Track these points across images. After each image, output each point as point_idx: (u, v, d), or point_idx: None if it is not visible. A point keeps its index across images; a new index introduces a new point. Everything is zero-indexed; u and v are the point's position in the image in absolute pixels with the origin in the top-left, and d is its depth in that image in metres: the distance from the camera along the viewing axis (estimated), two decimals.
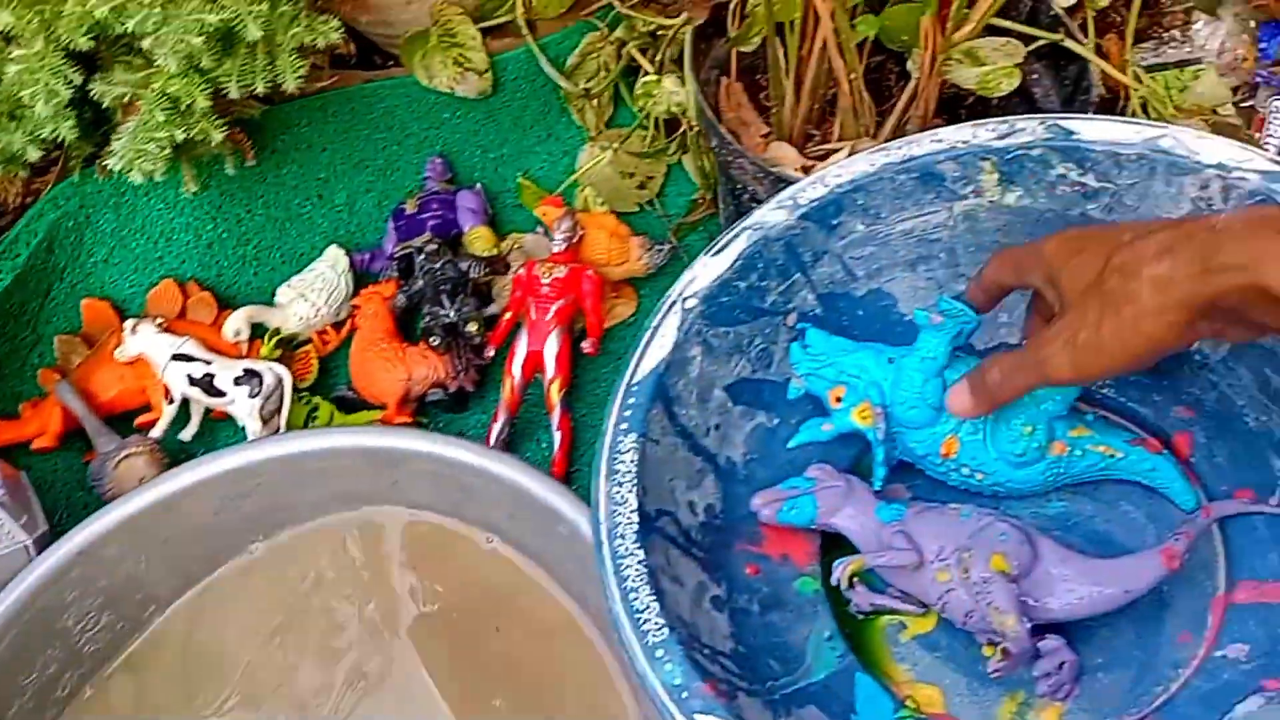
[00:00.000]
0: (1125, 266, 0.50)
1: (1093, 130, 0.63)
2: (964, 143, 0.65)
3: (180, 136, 0.68)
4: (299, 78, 0.70)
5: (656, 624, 0.54)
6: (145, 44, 0.65)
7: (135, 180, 0.70)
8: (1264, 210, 0.53)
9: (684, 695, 0.52)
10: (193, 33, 0.63)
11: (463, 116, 0.96)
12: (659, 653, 0.53)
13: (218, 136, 0.71)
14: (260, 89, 0.68)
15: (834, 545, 0.65)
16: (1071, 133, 0.63)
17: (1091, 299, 0.52)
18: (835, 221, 0.67)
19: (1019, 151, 0.64)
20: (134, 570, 0.69)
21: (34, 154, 0.69)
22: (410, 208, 0.91)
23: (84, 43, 0.66)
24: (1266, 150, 1.01)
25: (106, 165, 0.73)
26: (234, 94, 0.68)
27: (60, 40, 0.66)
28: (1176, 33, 1.09)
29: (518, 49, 0.94)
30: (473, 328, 0.82)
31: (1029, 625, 0.57)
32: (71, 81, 0.67)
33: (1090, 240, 0.54)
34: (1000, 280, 0.61)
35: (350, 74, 0.92)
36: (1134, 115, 0.89)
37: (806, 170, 0.76)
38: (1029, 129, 0.64)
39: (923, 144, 0.66)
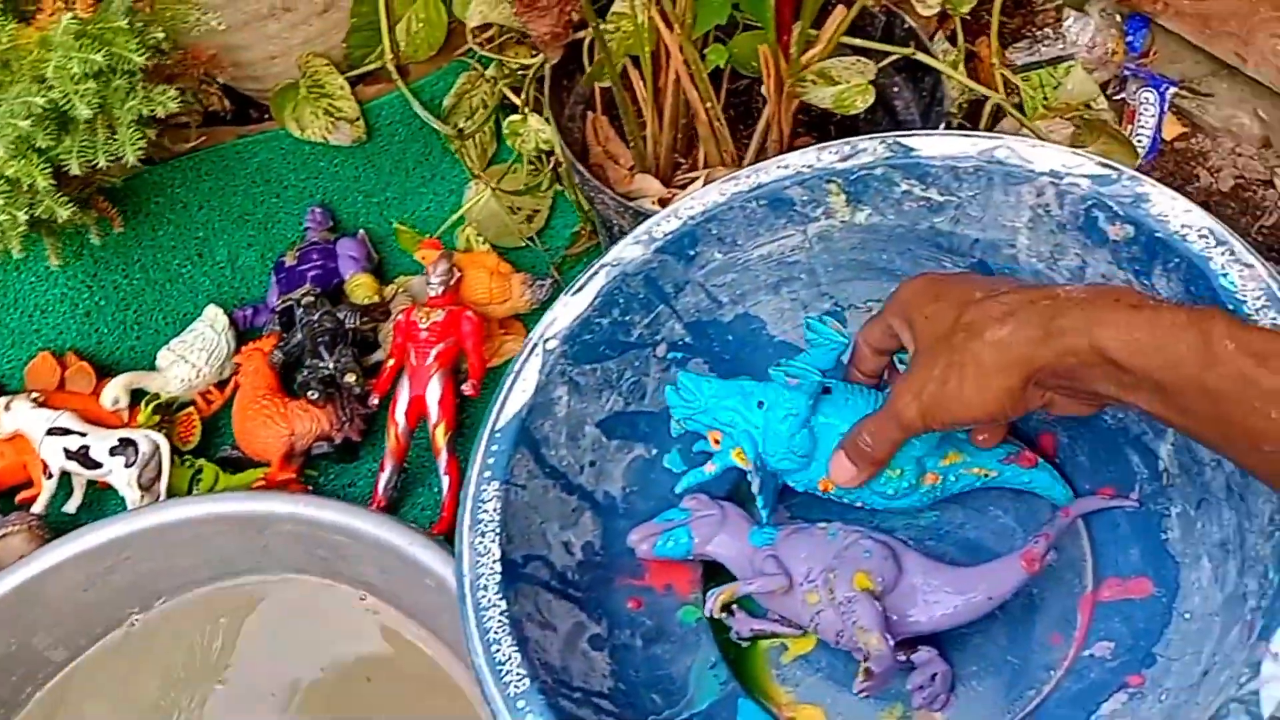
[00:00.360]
0: (972, 325, 0.50)
1: (931, 146, 0.63)
2: (809, 167, 0.65)
3: (24, 217, 0.66)
4: (139, 149, 0.68)
5: (518, 675, 0.54)
6: None
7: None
8: (1107, 285, 0.54)
9: None
10: (19, 116, 0.62)
11: (341, 164, 0.95)
12: (520, 703, 0.52)
13: (64, 214, 0.69)
14: (102, 163, 0.67)
15: (717, 571, 0.65)
16: (911, 150, 0.63)
17: (940, 353, 0.52)
18: (693, 252, 0.67)
19: (862, 172, 0.64)
20: (4, 652, 0.67)
21: None
22: (290, 260, 0.89)
23: None
24: (1139, 141, 1.03)
25: None
26: (76, 170, 0.67)
27: None
28: (1049, 30, 1.10)
29: (391, 94, 0.93)
30: (351, 378, 0.81)
31: (893, 642, 0.57)
32: None
33: (946, 288, 0.54)
34: (877, 347, 0.60)
35: (220, 131, 0.91)
36: (1007, 117, 0.90)
37: (664, 202, 0.76)
38: (870, 149, 0.64)
39: (770, 171, 0.66)
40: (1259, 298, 0.49)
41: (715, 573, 0.65)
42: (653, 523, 0.65)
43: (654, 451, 0.69)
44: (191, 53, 0.77)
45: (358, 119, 0.91)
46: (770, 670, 0.63)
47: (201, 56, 0.78)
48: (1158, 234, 0.53)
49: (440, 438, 0.79)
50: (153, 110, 0.68)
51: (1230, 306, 0.50)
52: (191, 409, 0.85)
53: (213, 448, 0.85)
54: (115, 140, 0.66)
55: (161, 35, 0.69)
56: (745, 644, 0.64)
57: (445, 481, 0.79)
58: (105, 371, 0.86)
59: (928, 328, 0.53)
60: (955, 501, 0.65)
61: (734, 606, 0.63)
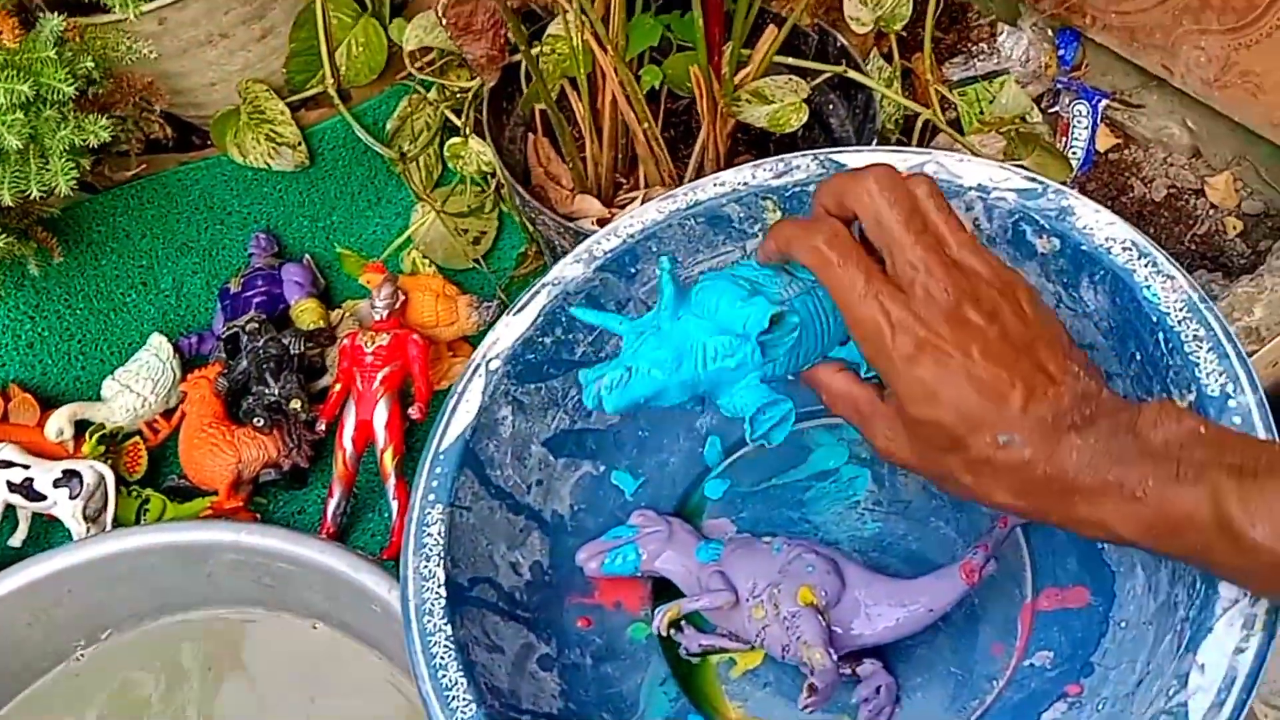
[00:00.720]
0: (975, 477, 0.44)
1: (862, 161, 0.63)
2: (744, 184, 0.65)
3: None
4: (72, 179, 0.67)
5: (465, 700, 0.53)
6: None
7: None
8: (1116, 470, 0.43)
9: None
10: None
11: (285, 190, 0.93)
12: None
13: None
14: (35, 193, 0.65)
15: (666, 587, 0.65)
16: (843, 166, 0.63)
17: (929, 458, 0.45)
18: (633, 270, 0.67)
19: (796, 189, 0.64)
20: None
21: None
22: (235, 286, 0.88)
23: None
24: (1073, 153, 1.04)
25: None
26: (7, 201, 0.65)
27: None
28: (984, 46, 1.11)
29: (334, 118, 0.93)
30: (296, 404, 0.80)
31: (837, 656, 0.57)
32: None
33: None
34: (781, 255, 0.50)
35: (162, 159, 0.90)
36: (942, 132, 0.90)
37: (604, 222, 0.75)
38: (803, 166, 0.64)
39: (706, 189, 0.65)
40: (1181, 309, 0.50)
41: (664, 589, 0.65)
42: (600, 540, 0.65)
43: (601, 469, 0.69)
44: (126, 81, 0.76)
45: (300, 144, 0.90)
46: (720, 685, 0.63)
47: (138, 84, 0.76)
48: (1083, 247, 0.54)
49: (388, 462, 0.78)
50: (85, 140, 0.66)
51: (1154, 318, 0.50)
52: (138, 439, 0.83)
53: (160, 477, 0.83)
54: (48, 170, 0.65)
55: (92, 65, 0.68)
56: (695, 660, 0.63)
57: (394, 506, 0.78)
58: (49, 403, 0.84)
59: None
60: (897, 513, 0.65)
61: (683, 622, 0.63)
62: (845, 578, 0.59)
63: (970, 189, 0.59)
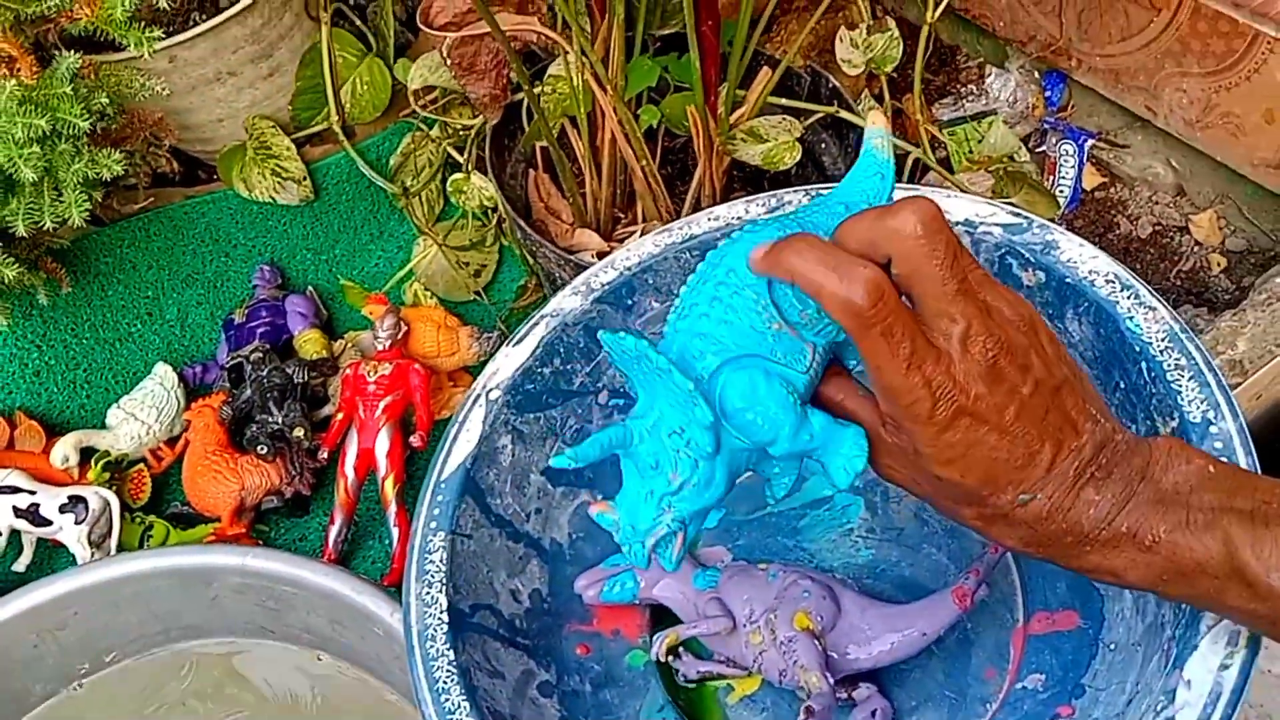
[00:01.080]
0: (986, 525, 0.44)
1: None
2: (738, 219, 0.66)
3: None
4: (85, 211, 0.68)
5: None
6: None
7: None
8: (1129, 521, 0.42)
9: None
10: None
11: (290, 223, 0.95)
12: None
13: (10, 275, 0.69)
14: (48, 224, 0.66)
15: (664, 614, 0.65)
16: None
17: (940, 503, 0.44)
18: (630, 301, 0.68)
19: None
20: None
21: None
22: (239, 317, 0.89)
23: None
24: (1060, 192, 1.06)
25: None
26: (21, 232, 0.67)
27: None
28: (973, 87, 1.13)
29: (338, 154, 0.94)
30: (299, 433, 0.80)
31: (834, 680, 0.57)
32: None
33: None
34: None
35: (169, 192, 0.91)
36: (931, 170, 0.92)
37: (603, 255, 0.77)
38: (795, 201, 0.65)
39: (700, 223, 0.67)
40: (1163, 339, 0.51)
41: (661, 617, 0.65)
42: (599, 568, 0.66)
43: (599, 497, 0.69)
44: (138, 116, 0.77)
45: (304, 179, 0.92)
46: (719, 711, 0.63)
47: (148, 120, 0.78)
48: (1067, 279, 0.55)
49: (389, 490, 0.79)
50: (98, 173, 0.68)
51: (1137, 348, 0.52)
52: (142, 466, 0.84)
53: (163, 504, 0.84)
54: (61, 202, 0.66)
55: (106, 100, 0.69)
56: (693, 686, 0.64)
57: (395, 533, 0.78)
58: (55, 430, 0.84)
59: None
60: (890, 540, 0.66)
61: (680, 649, 0.63)
62: (840, 603, 0.60)
63: (958, 223, 0.61)
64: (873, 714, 0.59)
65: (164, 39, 0.78)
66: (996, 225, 0.59)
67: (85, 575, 0.66)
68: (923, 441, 0.41)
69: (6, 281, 0.69)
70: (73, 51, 0.71)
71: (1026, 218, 0.58)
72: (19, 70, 0.65)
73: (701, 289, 0.44)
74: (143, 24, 0.71)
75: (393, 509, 0.79)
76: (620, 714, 0.63)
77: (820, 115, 0.81)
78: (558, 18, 0.74)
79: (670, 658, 0.63)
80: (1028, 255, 0.57)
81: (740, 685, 0.64)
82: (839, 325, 0.40)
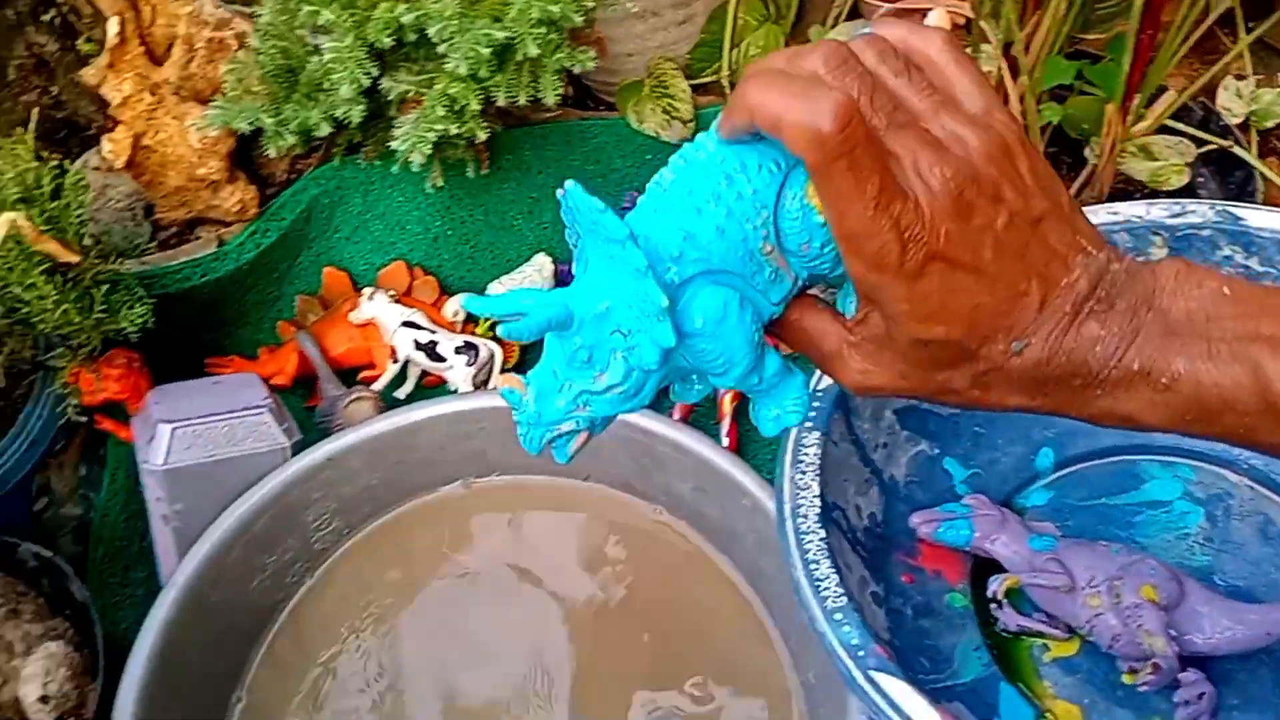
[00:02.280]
0: (983, 389, 0.39)
1: (1261, 219, 0.64)
2: (1139, 217, 0.67)
3: (454, 130, 0.73)
4: (558, 94, 0.75)
5: (836, 592, 0.56)
6: (440, 49, 0.71)
7: (415, 161, 0.75)
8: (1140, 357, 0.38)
9: (860, 654, 0.53)
10: (481, 44, 0.69)
11: (664, 159, 1.00)
12: (838, 615, 0.55)
13: (483, 135, 0.76)
14: (523, 100, 0.74)
15: (985, 569, 0.67)
16: (1240, 219, 0.65)
17: (921, 378, 0.39)
18: None
19: (1189, 230, 0.65)
20: (368, 483, 0.74)
21: (325, 129, 0.76)
22: None
23: (386, 41, 0.73)
24: None
25: (388, 146, 0.78)
26: (501, 102, 0.74)
27: (367, 37, 0.73)
28: None
29: (719, 105, 0.99)
30: None
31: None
32: (370, 73, 0.74)
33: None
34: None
35: (570, 111, 0.98)
36: None
37: None
38: (1199, 212, 0.66)
39: (1099, 215, 0.68)
40: None
41: (983, 571, 0.67)
42: (935, 510, 0.68)
43: (936, 450, 0.71)
44: (585, 32, 0.84)
45: (691, 120, 0.98)
46: (1032, 664, 0.64)
47: (594, 36, 0.84)
48: None
49: (726, 405, 0.83)
50: (574, 65, 0.75)
51: None
52: None
53: (524, 369, 0.91)
54: (538, 84, 0.73)
55: (591, 4, 0.76)
56: (1008, 637, 0.65)
57: (725, 442, 0.82)
58: (442, 290, 0.93)
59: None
60: (1229, 554, 0.65)
61: (1004, 600, 0.65)
62: (1185, 589, 0.60)
63: None
64: (1199, 696, 0.59)
65: None
66: None
67: (493, 399, 0.73)
68: (897, 299, 0.36)
69: (463, 147, 0.77)
70: None
71: None
72: None
73: (703, 179, 0.38)
74: None
75: (726, 422, 0.83)
76: (938, 642, 0.64)
77: (1212, 147, 0.81)
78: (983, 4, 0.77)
79: (993, 605, 0.65)
80: None
81: (1057, 647, 0.64)
82: (834, 258, 0.37)
